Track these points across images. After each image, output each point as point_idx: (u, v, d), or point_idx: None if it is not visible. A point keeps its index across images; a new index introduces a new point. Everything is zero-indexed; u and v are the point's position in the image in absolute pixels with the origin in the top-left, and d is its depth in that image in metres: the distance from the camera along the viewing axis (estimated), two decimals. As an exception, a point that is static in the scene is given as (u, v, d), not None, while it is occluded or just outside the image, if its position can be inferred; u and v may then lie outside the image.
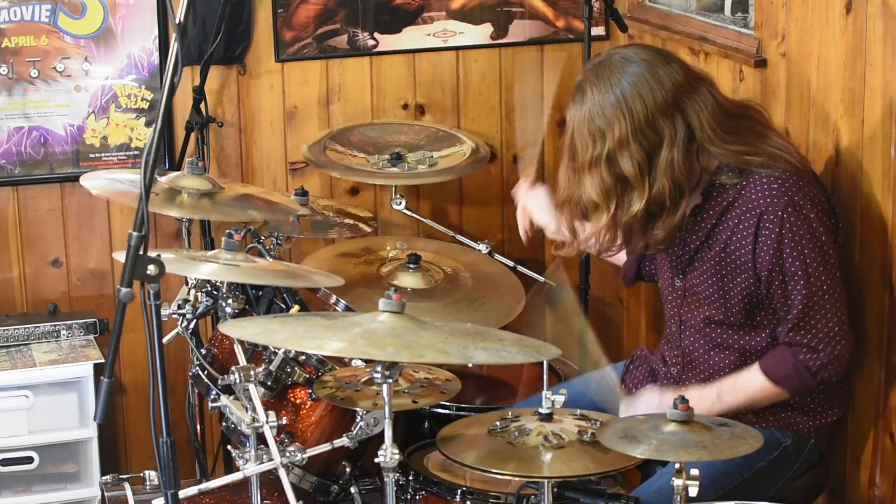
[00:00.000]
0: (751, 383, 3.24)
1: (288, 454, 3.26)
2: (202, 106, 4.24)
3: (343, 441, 3.34)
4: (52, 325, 4.23)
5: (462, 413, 3.56)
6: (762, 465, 3.26)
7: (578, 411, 2.99)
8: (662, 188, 3.12)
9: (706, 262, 3.27)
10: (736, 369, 3.30)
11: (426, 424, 3.63)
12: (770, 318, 3.26)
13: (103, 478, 3.60)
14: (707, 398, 3.25)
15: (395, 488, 2.95)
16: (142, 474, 3.54)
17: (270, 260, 3.62)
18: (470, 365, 3.89)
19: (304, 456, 3.29)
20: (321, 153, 4.24)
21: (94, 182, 3.76)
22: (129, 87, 4.29)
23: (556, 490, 2.89)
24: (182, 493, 3.14)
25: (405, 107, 4.52)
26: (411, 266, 3.97)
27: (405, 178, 4.17)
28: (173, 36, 2.88)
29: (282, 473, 3.23)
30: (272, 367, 3.36)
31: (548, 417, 2.92)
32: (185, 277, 3.57)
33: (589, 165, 3.16)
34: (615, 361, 3.96)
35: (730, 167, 3.16)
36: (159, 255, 2.56)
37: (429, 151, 4.29)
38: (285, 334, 2.91)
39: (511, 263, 4.26)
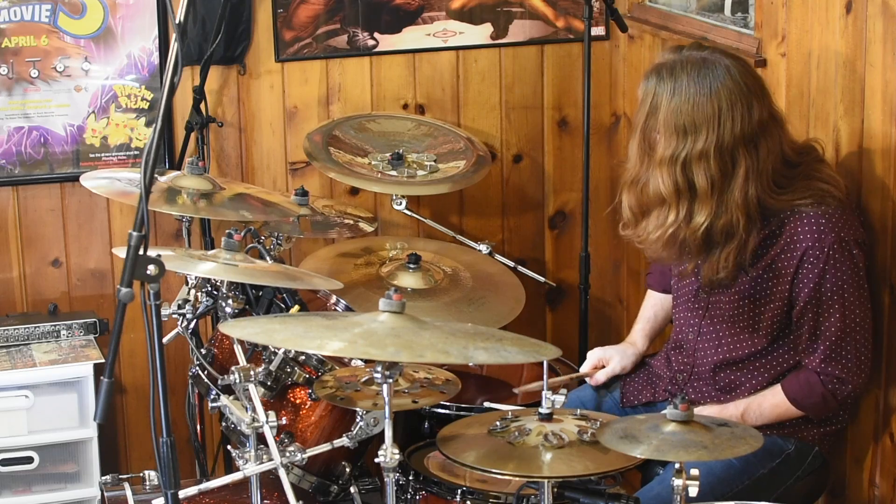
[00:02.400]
0: (776, 408, 3.26)
1: (288, 454, 3.26)
2: (202, 106, 4.24)
3: (343, 441, 3.34)
4: (52, 325, 4.23)
5: (462, 413, 3.55)
6: (763, 473, 3.26)
7: (578, 411, 2.99)
8: (731, 216, 3.09)
9: (740, 284, 3.24)
10: (744, 389, 3.30)
11: (426, 424, 3.62)
12: (790, 345, 3.26)
13: (103, 478, 3.59)
14: (730, 412, 3.27)
15: (395, 488, 2.95)
16: (142, 474, 3.54)
17: (270, 261, 3.62)
18: (471, 364, 3.89)
19: (304, 456, 3.29)
20: (322, 149, 4.24)
21: (94, 182, 3.76)
22: (129, 87, 4.29)
23: (556, 490, 2.89)
24: (182, 493, 3.14)
25: (405, 107, 4.52)
26: (411, 266, 3.97)
27: (405, 186, 4.17)
28: (173, 36, 2.88)
29: (282, 473, 3.23)
30: (272, 367, 3.36)
31: (548, 417, 2.92)
32: (185, 277, 3.57)
33: (662, 161, 3.11)
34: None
35: (773, 211, 3.16)
36: (159, 255, 2.56)
37: (431, 154, 4.29)
38: (285, 334, 2.90)
39: (511, 263, 4.26)
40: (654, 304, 3.64)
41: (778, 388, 3.25)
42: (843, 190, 3.20)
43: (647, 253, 3.30)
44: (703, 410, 3.24)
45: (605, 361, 3.56)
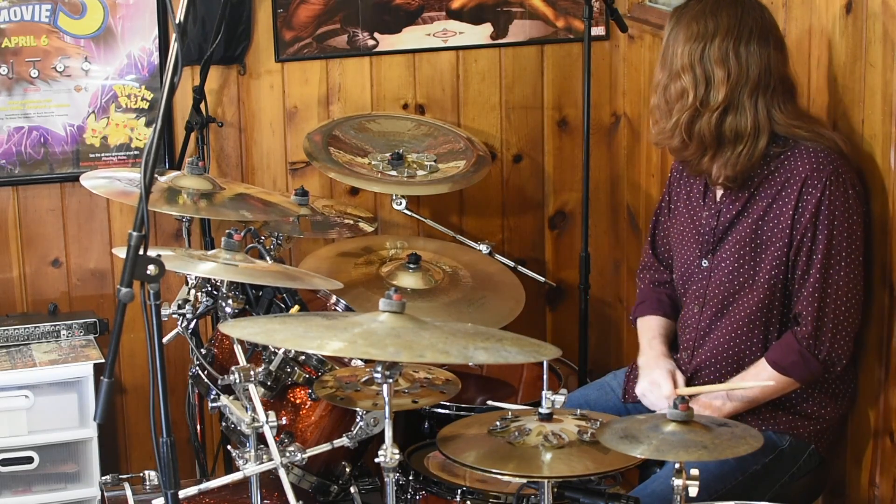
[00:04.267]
0: (758, 376, 3.27)
1: (288, 454, 3.26)
2: (202, 106, 4.24)
3: (343, 441, 3.34)
4: (52, 325, 4.23)
5: (462, 413, 3.55)
6: (756, 469, 3.26)
7: (578, 411, 2.99)
8: (746, 114, 3.25)
9: (740, 233, 3.32)
10: (744, 358, 3.32)
11: (426, 424, 3.63)
12: (787, 312, 3.30)
13: (103, 478, 3.59)
14: (716, 400, 3.29)
15: (395, 488, 2.95)
16: (142, 474, 3.54)
17: (270, 261, 3.62)
18: (471, 364, 3.89)
19: (304, 456, 3.29)
20: (322, 149, 4.24)
21: (94, 182, 3.76)
22: (129, 87, 4.29)
23: (556, 490, 2.89)
24: (182, 493, 3.14)
25: (405, 107, 4.52)
26: (411, 266, 3.97)
27: (405, 186, 4.17)
28: (173, 36, 2.88)
29: (282, 473, 3.23)
30: (272, 367, 3.36)
31: (548, 417, 2.92)
32: (185, 277, 3.57)
33: (683, 65, 3.28)
34: (616, 366, 3.97)
35: (778, 137, 3.27)
36: (159, 255, 2.56)
37: (431, 154, 4.29)
38: (285, 334, 2.90)
39: (511, 263, 4.26)
40: (659, 324, 3.58)
41: (762, 359, 3.29)
42: (845, 145, 3.31)
43: (670, 149, 3.40)
44: (695, 401, 3.26)
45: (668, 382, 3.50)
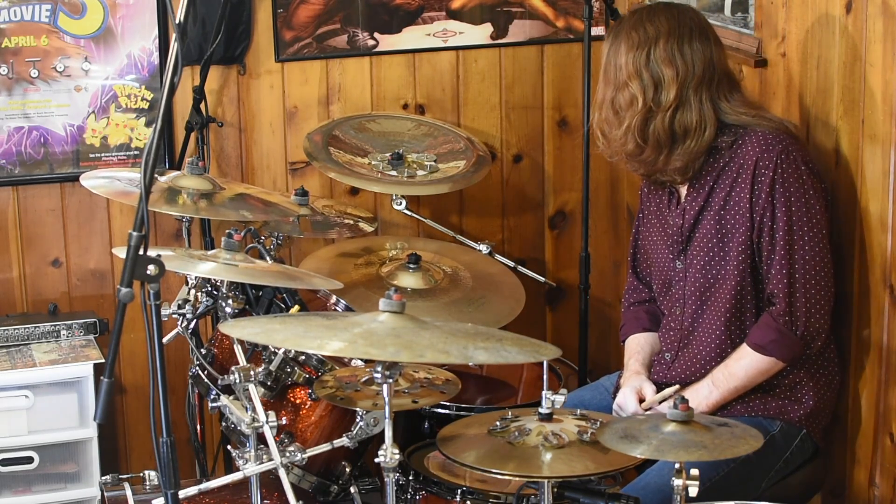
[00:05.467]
0: (741, 360, 3.32)
1: (288, 454, 3.26)
2: (202, 106, 4.24)
3: (343, 441, 3.34)
4: (52, 325, 4.23)
5: (462, 413, 3.55)
6: (748, 455, 3.26)
7: (578, 411, 3.00)
8: (692, 109, 3.33)
9: (705, 227, 3.38)
10: (728, 341, 3.36)
11: (426, 424, 3.63)
12: (759, 308, 3.33)
13: (103, 478, 3.60)
14: (702, 388, 3.33)
15: (395, 488, 2.95)
16: (142, 474, 3.54)
17: (270, 261, 3.62)
18: (471, 364, 3.89)
19: (304, 456, 3.29)
20: (322, 149, 4.24)
21: (94, 182, 3.76)
22: (129, 87, 4.29)
23: (556, 490, 2.89)
24: (182, 493, 3.14)
25: (405, 106, 4.52)
26: (411, 266, 3.97)
27: (405, 186, 4.17)
28: (173, 36, 2.88)
29: (282, 473, 3.23)
30: (272, 367, 3.36)
31: (548, 417, 2.92)
32: (185, 277, 3.57)
33: (630, 72, 3.35)
34: (616, 367, 3.97)
35: (727, 126, 3.35)
36: (159, 255, 2.56)
37: (431, 154, 4.29)
38: (285, 334, 2.90)
39: (511, 263, 4.26)
40: (638, 342, 3.61)
41: (743, 344, 3.33)
42: (793, 128, 3.40)
43: (625, 156, 3.42)
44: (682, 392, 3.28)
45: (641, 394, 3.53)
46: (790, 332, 3.27)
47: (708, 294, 3.40)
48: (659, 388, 3.43)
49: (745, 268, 3.33)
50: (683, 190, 3.45)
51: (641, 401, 3.43)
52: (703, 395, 3.33)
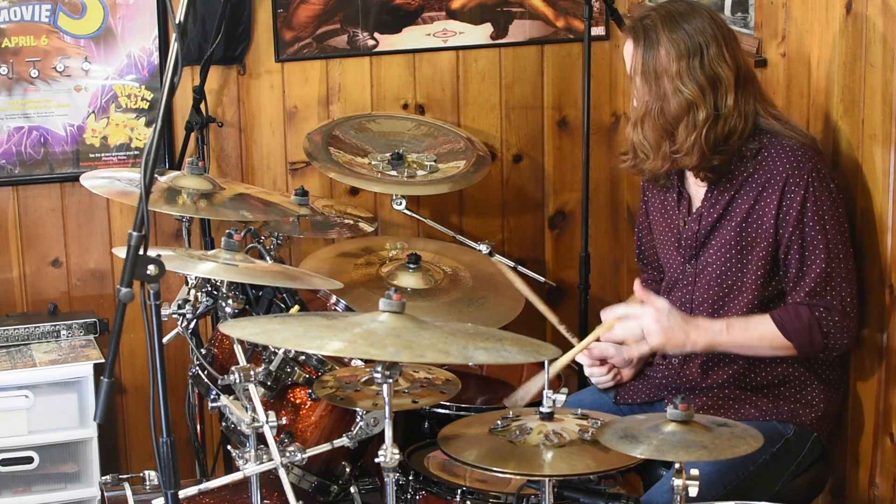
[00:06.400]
0: (760, 325, 3.27)
1: (288, 454, 3.26)
2: (202, 106, 4.24)
3: (343, 441, 3.34)
4: (52, 325, 4.23)
5: (462, 413, 3.55)
6: (765, 459, 3.27)
7: (579, 411, 3.00)
8: (741, 112, 3.25)
9: (724, 236, 3.32)
10: (735, 362, 3.33)
11: (426, 424, 3.63)
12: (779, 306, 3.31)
13: (103, 478, 3.59)
14: (715, 325, 3.28)
15: (395, 488, 2.95)
16: (142, 474, 3.54)
17: (270, 261, 3.62)
18: (471, 364, 3.89)
19: (304, 456, 3.29)
20: (322, 149, 4.24)
21: (94, 182, 3.76)
22: (129, 87, 4.29)
23: (556, 490, 2.89)
24: (182, 493, 3.14)
25: (405, 106, 4.52)
26: (411, 266, 3.97)
27: (405, 186, 4.17)
28: (173, 36, 2.88)
29: (282, 473, 3.23)
30: (272, 367, 3.36)
31: (549, 417, 2.92)
32: (185, 277, 3.57)
33: (679, 71, 3.24)
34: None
35: (757, 130, 3.27)
36: (159, 255, 2.56)
37: (431, 154, 4.29)
38: (285, 334, 2.90)
39: (511, 263, 4.25)
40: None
41: (767, 315, 3.28)
42: (812, 139, 3.34)
43: (688, 165, 3.32)
44: (695, 321, 3.27)
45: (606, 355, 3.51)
46: (818, 329, 3.23)
47: (722, 303, 3.36)
48: (668, 393, 3.42)
49: (764, 282, 3.29)
50: (695, 192, 3.39)
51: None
52: (714, 328, 3.26)
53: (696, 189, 3.40)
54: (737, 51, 3.28)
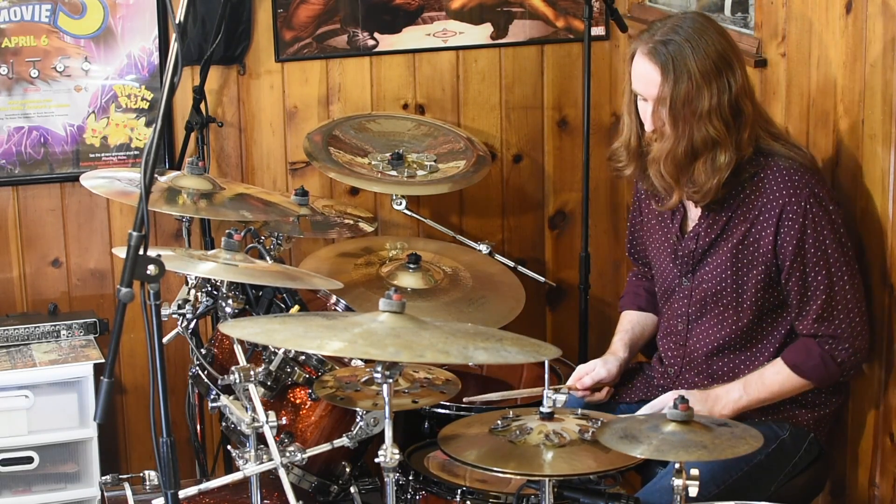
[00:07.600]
0: (777, 375, 3.27)
1: (288, 454, 3.26)
2: (202, 106, 4.24)
3: (343, 441, 3.34)
4: (52, 325, 4.23)
5: (462, 413, 3.55)
6: (760, 459, 3.27)
7: (579, 411, 2.99)
8: (751, 140, 3.24)
9: (721, 255, 3.30)
10: (736, 375, 3.33)
11: (426, 424, 3.62)
12: (777, 323, 3.30)
13: (103, 478, 3.60)
14: (733, 391, 3.29)
15: (395, 488, 2.95)
16: (142, 474, 3.54)
17: (270, 261, 3.62)
18: (471, 364, 3.89)
19: (304, 456, 3.29)
20: (322, 149, 4.24)
21: (94, 182, 3.76)
22: (129, 87, 4.29)
23: (556, 490, 2.89)
24: (182, 493, 3.14)
25: (405, 106, 4.52)
26: (411, 266, 3.97)
27: (405, 186, 4.17)
28: (173, 36, 2.88)
29: (282, 473, 3.23)
30: (272, 367, 3.36)
31: (549, 416, 2.92)
32: (185, 277, 3.57)
33: (711, 109, 3.18)
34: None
35: (756, 150, 3.24)
36: (159, 255, 2.56)
37: (431, 154, 4.29)
38: (285, 334, 2.91)
39: (511, 263, 4.26)
40: (630, 320, 3.63)
41: (779, 360, 3.28)
42: (808, 153, 3.31)
43: (694, 198, 3.30)
44: (705, 393, 3.27)
45: (587, 370, 3.53)
46: (832, 361, 3.24)
47: (721, 318, 3.35)
48: (664, 392, 3.42)
49: (762, 296, 3.28)
50: (690, 207, 3.37)
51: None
52: (733, 397, 3.28)
53: (691, 205, 3.38)
54: (744, 66, 3.25)
